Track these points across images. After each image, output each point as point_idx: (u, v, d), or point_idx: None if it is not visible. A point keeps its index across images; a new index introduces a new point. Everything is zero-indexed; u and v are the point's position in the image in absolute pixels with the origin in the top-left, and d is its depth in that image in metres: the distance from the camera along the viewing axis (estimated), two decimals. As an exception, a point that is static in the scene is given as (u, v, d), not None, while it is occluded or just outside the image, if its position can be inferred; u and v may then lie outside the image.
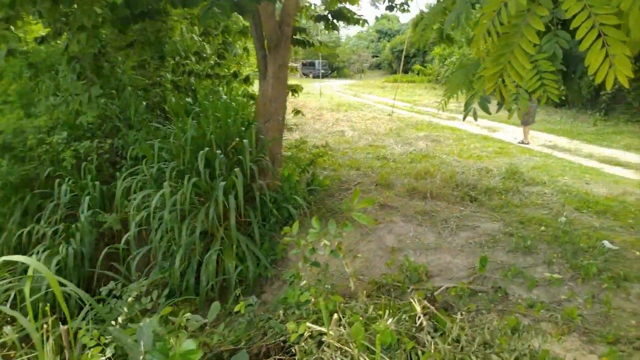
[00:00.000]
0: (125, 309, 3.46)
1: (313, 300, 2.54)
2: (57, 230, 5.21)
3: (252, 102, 6.43)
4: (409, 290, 3.59)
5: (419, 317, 2.48)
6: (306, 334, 2.24)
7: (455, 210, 5.32)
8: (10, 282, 3.51)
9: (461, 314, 2.73)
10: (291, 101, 11.60)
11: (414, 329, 2.50)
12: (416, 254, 4.29)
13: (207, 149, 4.49)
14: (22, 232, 5.25)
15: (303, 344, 2.24)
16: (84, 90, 4.25)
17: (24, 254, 5.19)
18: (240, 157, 4.58)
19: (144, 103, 6.36)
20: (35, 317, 2.61)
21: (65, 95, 5.85)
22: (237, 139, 4.77)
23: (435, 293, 3.46)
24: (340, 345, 2.08)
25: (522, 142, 10.05)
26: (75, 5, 3.57)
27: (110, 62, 6.10)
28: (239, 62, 7.99)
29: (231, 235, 4.20)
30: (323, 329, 2.21)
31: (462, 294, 3.37)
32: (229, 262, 4.29)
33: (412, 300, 2.67)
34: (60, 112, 5.17)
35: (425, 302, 2.79)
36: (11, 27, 3.72)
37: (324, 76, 36.76)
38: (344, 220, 2.60)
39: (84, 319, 3.65)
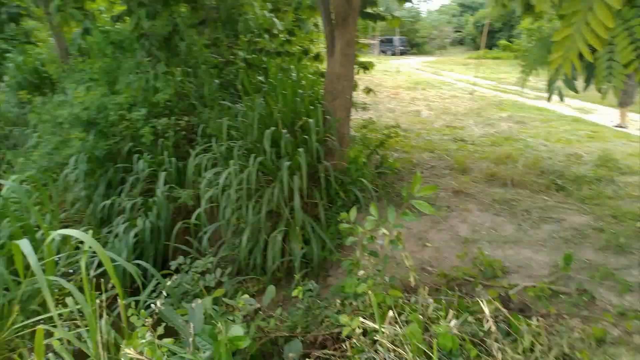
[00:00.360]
0: (189, 286, 3.54)
1: (370, 292, 2.39)
2: (136, 204, 5.46)
3: (322, 79, 6.29)
4: (480, 286, 3.33)
5: (488, 320, 2.25)
6: (358, 330, 2.10)
7: (539, 200, 4.88)
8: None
9: (538, 319, 2.45)
10: (365, 79, 11.34)
11: (481, 333, 2.28)
12: (492, 247, 3.98)
13: (273, 128, 4.42)
14: (105, 205, 5.55)
15: (355, 340, 2.11)
16: (151, 67, 4.33)
17: (109, 224, 5.51)
18: (306, 136, 4.48)
19: (216, 81, 6.43)
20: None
21: (144, 73, 6.07)
22: (305, 118, 4.66)
23: (511, 292, 3.18)
24: (394, 347, 1.92)
25: (619, 126, 9.04)
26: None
27: (185, 40, 6.21)
28: (311, 39, 7.85)
29: (295, 216, 4.13)
30: (377, 326, 2.06)
31: (541, 295, 3.06)
32: (294, 243, 4.25)
33: (479, 300, 2.44)
34: (134, 89, 5.33)
35: (497, 302, 2.54)
36: (81, 6, 3.85)
37: (403, 53, 35.66)
38: (404, 209, 2.40)
39: (153, 291, 3.79)
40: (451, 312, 2.26)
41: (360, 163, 4.66)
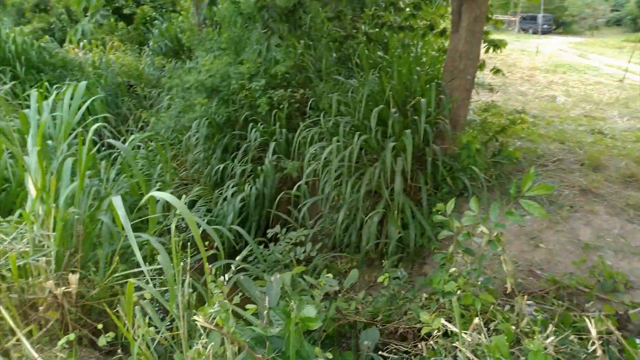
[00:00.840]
0: (281, 255, 3.60)
1: (459, 292, 2.19)
2: (246, 170, 5.71)
3: (444, 57, 5.90)
4: (595, 300, 2.91)
5: (594, 342, 1.93)
6: (437, 332, 1.93)
7: (687, 210, 4.11)
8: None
9: (661, 353, 2.04)
10: (497, 58, 10.46)
11: (583, 355, 1.97)
12: (616, 257, 3.45)
13: (381, 105, 4.25)
14: (219, 168, 5.89)
15: (433, 341, 1.94)
16: (265, 39, 4.40)
17: (221, 186, 5.85)
18: (416, 117, 4.24)
19: (334, 55, 6.37)
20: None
21: (260, 44, 6.22)
22: (418, 97, 4.41)
23: (631, 312, 2.73)
24: (474, 357, 1.72)
25: None
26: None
27: (308, 12, 6.21)
28: (441, 14, 7.39)
29: (395, 199, 3.97)
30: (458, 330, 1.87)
31: (671, 323, 2.57)
32: (391, 226, 4.10)
33: (588, 316, 2.10)
34: (252, 60, 5.49)
35: (612, 321, 2.18)
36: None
37: (546, 32, 32.43)
38: (509, 208, 2.13)
39: (247, 256, 3.93)
40: (550, 327, 1.98)
41: (473, 149, 4.30)
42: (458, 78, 4.61)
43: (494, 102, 7.32)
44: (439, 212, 2.49)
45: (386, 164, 4.00)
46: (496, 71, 6.82)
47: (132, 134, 7.87)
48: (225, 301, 1.88)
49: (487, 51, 6.04)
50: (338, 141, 4.28)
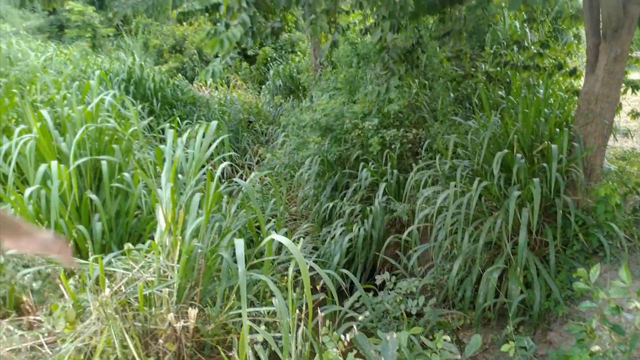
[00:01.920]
0: (390, 306, 3.44)
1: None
2: (355, 210, 5.66)
3: (575, 99, 5.44)
4: None
5: None
6: None
7: None
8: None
9: None
10: (633, 100, 9.45)
11: None
12: None
13: (506, 150, 3.98)
14: (328, 206, 5.91)
15: None
16: (384, 81, 4.38)
17: (329, 224, 5.86)
18: (545, 164, 3.89)
19: (452, 95, 6.19)
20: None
21: (379, 84, 6.25)
22: (547, 142, 4.07)
23: None
24: None
25: None
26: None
27: (426, 52, 6.14)
28: (568, 52, 6.90)
29: (518, 254, 3.63)
30: None
31: None
32: (513, 283, 3.75)
33: None
34: (369, 101, 5.52)
35: None
36: (334, 19, 4.13)
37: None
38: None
39: (356, 302, 3.80)
40: None
41: (612, 203, 3.82)
42: (593, 122, 4.18)
43: (634, 149, 6.56)
44: (580, 278, 2.18)
45: (509, 214, 3.69)
46: (635, 115, 6.14)
47: (249, 168, 8.31)
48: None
49: (624, 92, 5.47)
50: (456, 186, 4.06)
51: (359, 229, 5.28)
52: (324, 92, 7.28)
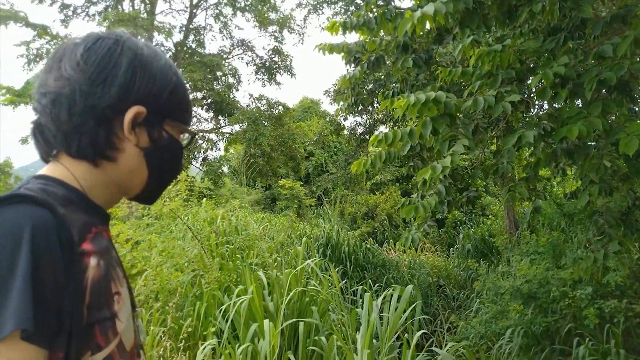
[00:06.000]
0: None
1: None
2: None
3: None
4: None
5: None
6: None
7: None
8: None
9: None
10: None
11: None
12: None
13: None
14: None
15: None
16: (601, 246, 3.90)
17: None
18: None
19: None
20: None
21: (594, 251, 5.59)
22: None
23: None
24: None
25: None
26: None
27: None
28: None
29: None
30: None
31: None
32: None
33: None
34: (582, 269, 4.92)
35: None
36: (534, 185, 4.01)
37: None
38: None
39: None
40: None
41: None
42: None
43: None
44: None
45: None
46: None
47: (440, 335, 7.82)
48: None
49: None
50: None
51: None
52: (524, 256, 6.81)
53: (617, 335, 4.99)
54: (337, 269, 9.46)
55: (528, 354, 5.70)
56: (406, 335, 3.18)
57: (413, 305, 3.24)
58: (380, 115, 11.53)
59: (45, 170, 1.00)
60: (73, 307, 0.84)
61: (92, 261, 0.91)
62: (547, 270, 6.07)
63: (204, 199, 8.51)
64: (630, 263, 5.51)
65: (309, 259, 5.50)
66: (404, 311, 3.10)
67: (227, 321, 4.29)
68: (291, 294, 4.14)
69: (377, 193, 19.35)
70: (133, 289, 1.05)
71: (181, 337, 3.94)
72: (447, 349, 3.18)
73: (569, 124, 2.88)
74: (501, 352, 6.06)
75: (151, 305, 5.03)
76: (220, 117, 19.07)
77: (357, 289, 6.86)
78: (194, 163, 17.59)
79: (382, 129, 12.44)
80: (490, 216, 13.96)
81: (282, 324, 3.94)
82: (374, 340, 3.34)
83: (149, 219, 7.72)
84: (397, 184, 18.43)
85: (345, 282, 8.27)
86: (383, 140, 3.33)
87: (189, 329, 4.19)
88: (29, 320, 0.77)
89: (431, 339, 7.38)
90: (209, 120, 19.30)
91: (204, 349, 3.90)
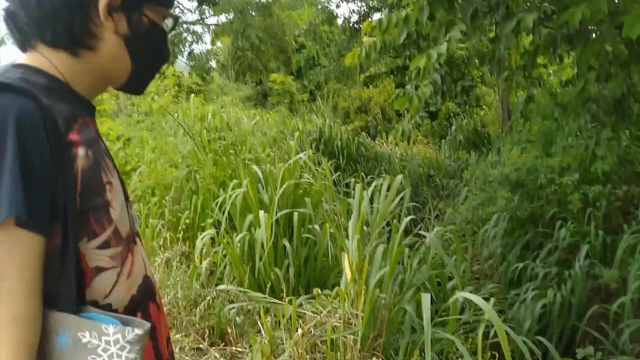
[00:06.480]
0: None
1: None
2: (549, 273, 5.10)
3: None
4: None
5: None
6: None
7: None
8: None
9: None
10: None
11: None
12: None
13: None
14: (518, 267, 5.45)
15: None
16: (593, 134, 3.92)
17: (518, 287, 5.37)
18: None
19: (675, 146, 5.28)
20: None
21: (585, 138, 5.66)
22: None
23: None
24: None
25: None
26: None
27: (639, 101, 5.40)
28: None
29: None
30: None
31: None
32: None
33: None
34: (571, 155, 5.03)
35: None
36: (529, 73, 3.93)
37: None
38: None
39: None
40: None
41: None
42: None
43: None
44: None
45: None
46: None
47: (429, 222, 8.20)
48: None
49: None
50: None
51: (555, 295, 4.71)
52: (514, 145, 6.90)
53: (598, 218, 5.24)
54: (330, 163, 9.59)
55: (512, 237, 6.02)
56: (395, 221, 3.33)
57: (402, 194, 3.35)
58: (375, 2, 10.94)
59: (24, 59, 0.96)
60: (65, 194, 0.85)
61: (80, 151, 0.90)
62: (536, 158, 6.18)
63: (193, 95, 8.34)
64: (619, 150, 5.60)
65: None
66: (394, 200, 3.20)
67: (223, 213, 4.44)
68: (284, 186, 4.23)
69: (370, 86, 19.00)
70: (128, 185, 1.04)
71: (180, 228, 4.10)
72: (434, 233, 3.35)
73: (572, 6, 2.74)
74: (486, 235, 6.40)
75: (148, 200, 5.18)
76: (204, 6, 17.98)
77: (350, 182, 7.02)
78: (180, 58, 16.95)
79: (377, 16, 11.86)
80: (484, 107, 13.90)
81: (276, 214, 4.08)
82: (365, 227, 3.50)
83: (140, 116, 7.65)
84: (392, 77, 18.06)
85: (338, 175, 8.45)
86: (377, 27, 3.19)
87: (187, 221, 4.35)
88: (22, 207, 0.78)
89: (420, 225, 7.76)
90: (193, 11, 18.22)
91: (202, 238, 4.08)
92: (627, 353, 3.80)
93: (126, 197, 1.07)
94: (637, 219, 4.78)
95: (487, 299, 5.28)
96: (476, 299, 2.01)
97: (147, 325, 0.91)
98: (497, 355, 2.10)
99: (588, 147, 3.95)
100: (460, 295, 2.25)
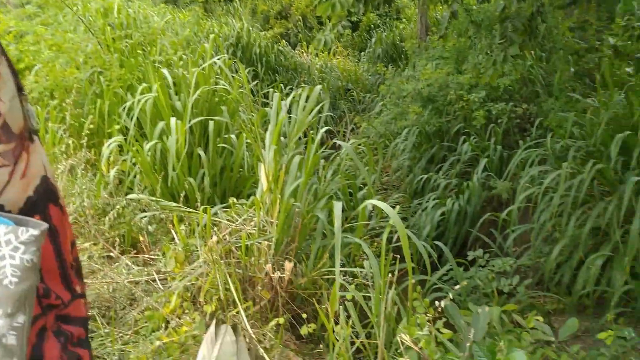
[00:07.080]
0: (481, 282, 3.37)
1: None
2: (450, 184, 5.52)
3: None
4: None
5: None
6: None
7: None
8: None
9: None
10: None
11: None
12: None
13: (627, 132, 3.63)
14: (422, 178, 5.83)
15: None
16: (500, 50, 4.11)
17: (421, 197, 5.79)
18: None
19: (572, 69, 5.70)
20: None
21: (495, 56, 5.90)
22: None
23: None
24: None
25: None
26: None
27: (546, 22, 5.67)
28: None
29: (628, 242, 3.34)
30: None
31: None
32: (617, 273, 3.48)
33: None
34: (488, 74, 5.26)
35: None
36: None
37: None
38: None
39: (445, 274, 3.77)
40: None
41: None
42: None
43: None
44: None
45: (623, 201, 3.40)
46: None
47: (344, 135, 8.38)
48: (429, 323, 1.82)
49: None
50: (567, 167, 3.80)
51: (453, 204, 5.16)
52: (429, 61, 7.05)
53: (498, 133, 5.66)
54: (247, 71, 9.24)
55: (419, 150, 6.37)
56: (312, 132, 3.36)
57: (320, 105, 3.35)
58: None
59: None
60: None
61: None
62: (448, 74, 6.40)
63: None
64: (523, 69, 5.95)
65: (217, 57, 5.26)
66: (312, 111, 3.20)
67: (132, 119, 4.19)
68: (198, 92, 4.04)
69: (292, -10, 18.04)
70: (23, 85, 0.92)
71: (84, 134, 3.82)
72: (348, 145, 3.44)
73: None
74: (397, 149, 6.71)
75: (47, 102, 4.72)
76: None
77: (268, 92, 6.87)
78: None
79: None
80: (404, 20, 13.86)
81: (190, 122, 3.93)
82: (282, 138, 3.50)
83: (33, 8, 6.71)
84: (314, -19, 17.23)
85: (256, 84, 8.21)
86: None
87: (91, 126, 4.06)
88: None
89: (336, 138, 7.92)
90: None
91: (109, 145, 3.86)
92: (510, 254, 4.34)
93: (19, 89, 0.96)
94: (532, 136, 5.22)
95: (393, 207, 5.71)
96: (383, 205, 2.15)
97: (45, 225, 0.85)
98: (398, 257, 2.30)
99: (496, 62, 4.13)
100: (369, 202, 2.39)
